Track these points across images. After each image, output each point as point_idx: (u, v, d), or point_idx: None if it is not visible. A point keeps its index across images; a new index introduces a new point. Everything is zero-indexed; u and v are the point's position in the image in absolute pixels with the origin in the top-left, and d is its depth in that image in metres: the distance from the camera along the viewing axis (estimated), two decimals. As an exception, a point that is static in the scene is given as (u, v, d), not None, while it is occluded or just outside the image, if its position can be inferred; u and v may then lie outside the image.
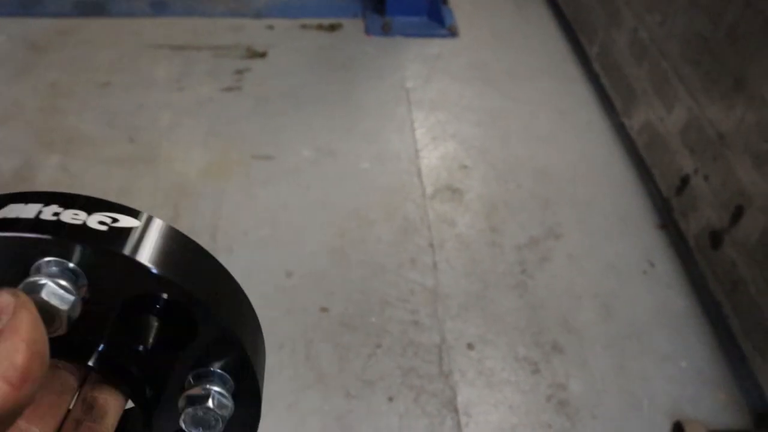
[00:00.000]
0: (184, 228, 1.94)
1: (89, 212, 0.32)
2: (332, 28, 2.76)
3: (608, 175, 2.19)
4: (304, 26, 2.75)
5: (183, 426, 0.36)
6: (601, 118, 2.40)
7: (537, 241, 1.96)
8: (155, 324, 0.36)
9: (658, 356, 1.69)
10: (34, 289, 0.29)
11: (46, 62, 2.48)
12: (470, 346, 1.69)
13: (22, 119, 2.23)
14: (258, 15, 2.78)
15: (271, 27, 2.73)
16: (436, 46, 2.69)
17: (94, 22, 2.71)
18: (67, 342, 0.33)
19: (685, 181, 1.90)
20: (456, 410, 1.56)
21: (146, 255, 0.32)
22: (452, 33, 2.73)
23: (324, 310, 1.74)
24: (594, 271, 1.89)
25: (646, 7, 2.15)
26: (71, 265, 0.31)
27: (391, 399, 1.57)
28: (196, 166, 2.10)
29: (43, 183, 2.02)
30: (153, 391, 0.39)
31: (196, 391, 0.36)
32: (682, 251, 1.93)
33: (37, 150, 2.13)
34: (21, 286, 0.30)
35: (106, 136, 2.19)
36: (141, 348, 0.36)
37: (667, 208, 2.00)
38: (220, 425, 0.36)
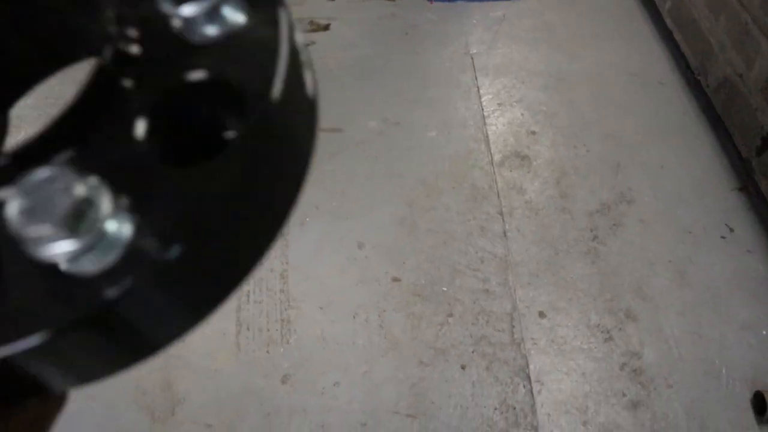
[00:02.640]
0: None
1: None
2: (394, -5, 2.74)
3: (683, 136, 2.11)
4: (365, -5, 2.75)
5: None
6: (675, 78, 2.31)
7: (608, 206, 1.92)
8: None
9: (737, 324, 1.65)
10: None
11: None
12: (542, 314, 1.69)
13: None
14: (320, -14, 2.79)
15: (332, -2, 2.74)
16: (499, 9, 2.64)
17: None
18: None
19: (766, 140, 1.82)
20: (528, 378, 1.58)
21: None
22: (516, -6, 2.67)
23: (396, 279, 1.78)
24: (668, 236, 1.85)
25: (724, -42, 2.04)
26: None
27: (463, 367, 1.60)
28: (266, 141, 2.15)
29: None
30: None
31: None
32: (763, 214, 1.86)
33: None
34: None
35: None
36: None
37: (746, 169, 1.93)
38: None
